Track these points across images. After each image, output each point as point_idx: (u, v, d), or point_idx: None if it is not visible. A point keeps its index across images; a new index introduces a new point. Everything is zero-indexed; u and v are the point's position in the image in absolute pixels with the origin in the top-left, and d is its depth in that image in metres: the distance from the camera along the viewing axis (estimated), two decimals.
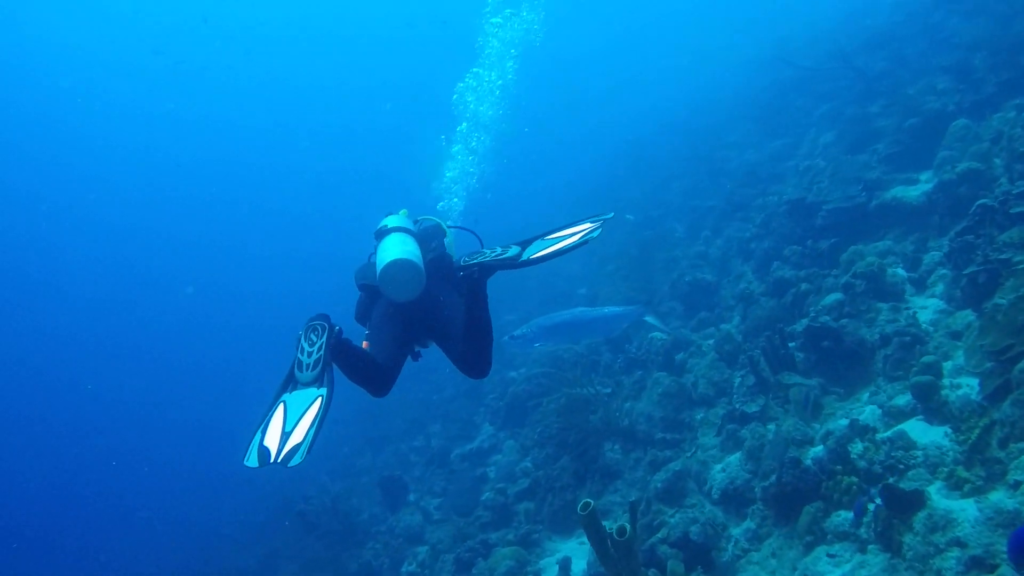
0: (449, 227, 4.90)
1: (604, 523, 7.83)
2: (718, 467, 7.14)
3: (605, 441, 8.77)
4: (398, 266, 3.91)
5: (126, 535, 23.34)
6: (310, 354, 3.41)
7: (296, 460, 3.09)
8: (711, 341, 9.53)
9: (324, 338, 3.44)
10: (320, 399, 3.33)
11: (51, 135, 46.69)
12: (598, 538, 4.96)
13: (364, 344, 4.28)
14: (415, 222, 4.77)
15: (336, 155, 50.02)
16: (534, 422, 10.17)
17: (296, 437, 3.17)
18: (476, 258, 3.83)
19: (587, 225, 3.90)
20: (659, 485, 7.13)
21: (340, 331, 3.55)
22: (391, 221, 4.43)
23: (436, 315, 4.23)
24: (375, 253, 4.20)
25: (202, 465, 23.10)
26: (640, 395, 9.15)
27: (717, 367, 8.44)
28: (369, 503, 12.34)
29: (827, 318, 7.31)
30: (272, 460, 3.08)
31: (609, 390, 9.72)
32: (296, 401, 3.35)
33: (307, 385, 3.38)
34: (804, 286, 8.45)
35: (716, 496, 6.85)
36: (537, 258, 3.81)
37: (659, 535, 6.38)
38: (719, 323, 10.07)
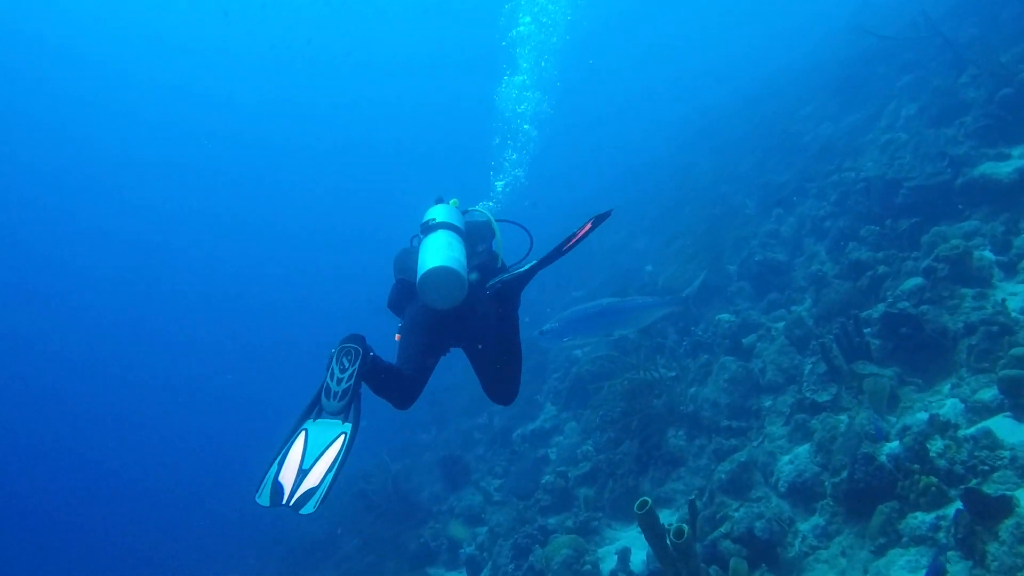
0: (499, 221, 4.69)
1: (665, 517, 7.66)
2: (786, 458, 6.83)
3: (669, 427, 8.54)
4: (440, 274, 3.73)
5: (200, 514, 24.28)
6: (340, 380, 3.26)
7: (308, 509, 2.96)
8: (781, 324, 9.17)
9: (356, 365, 3.28)
10: (343, 437, 3.18)
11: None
12: (656, 538, 4.77)
13: (397, 337, 4.14)
14: (463, 212, 4.59)
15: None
16: (596, 405, 9.98)
17: (312, 479, 3.03)
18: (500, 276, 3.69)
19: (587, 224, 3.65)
20: (723, 476, 6.87)
21: (374, 357, 3.39)
22: (439, 213, 4.24)
23: (470, 327, 4.07)
24: (418, 250, 4.01)
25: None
26: (706, 380, 8.86)
27: (787, 353, 8.09)
28: (430, 481, 12.39)
29: (906, 304, 6.89)
30: (284, 502, 2.96)
31: (674, 374, 9.46)
32: (319, 432, 3.21)
33: (333, 415, 3.24)
34: (882, 269, 7.99)
35: (783, 489, 6.56)
36: (548, 257, 3.61)
37: (722, 529, 6.13)
38: (790, 305, 9.67)
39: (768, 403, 7.86)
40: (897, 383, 6.49)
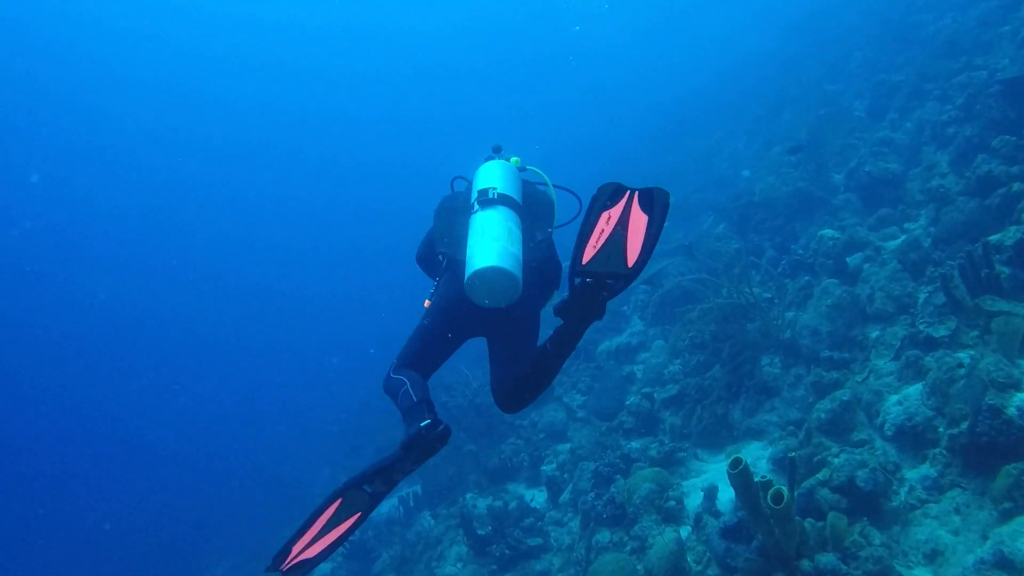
0: (555, 187, 4.08)
1: (754, 451, 7.25)
2: (894, 398, 6.26)
3: (763, 354, 8.02)
4: (493, 277, 3.24)
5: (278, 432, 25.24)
6: (404, 471, 3.00)
7: None
8: (892, 244, 8.39)
9: (423, 462, 3.01)
10: (359, 515, 2.96)
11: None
12: (750, 499, 4.39)
13: (426, 303, 3.74)
14: (521, 170, 4.00)
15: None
16: (686, 324, 9.50)
17: (312, 551, 2.86)
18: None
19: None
20: (823, 415, 6.35)
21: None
22: (499, 179, 3.68)
23: (507, 327, 3.60)
24: (467, 224, 3.51)
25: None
26: (805, 304, 8.24)
27: (899, 279, 7.35)
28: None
29: None
30: (280, 569, 2.83)
31: (769, 295, 8.86)
32: (349, 501, 2.97)
33: (372, 487, 2.99)
34: (1017, 186, 7.05)
35: (889, 432, 6.02)
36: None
37: (819, 476, 5.67)
38: (903, 222, 8.83)
39: (875, 334, 7.22)
40: None
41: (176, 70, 50.42)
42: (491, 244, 3.31)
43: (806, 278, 8.66)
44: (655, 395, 9.08)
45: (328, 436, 21.29)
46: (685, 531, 6.44)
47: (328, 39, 54.40)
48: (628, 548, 6.71)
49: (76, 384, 36.72)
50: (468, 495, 10.59)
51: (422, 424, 2.95)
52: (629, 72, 40.44)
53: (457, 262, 3.59)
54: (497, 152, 4.32)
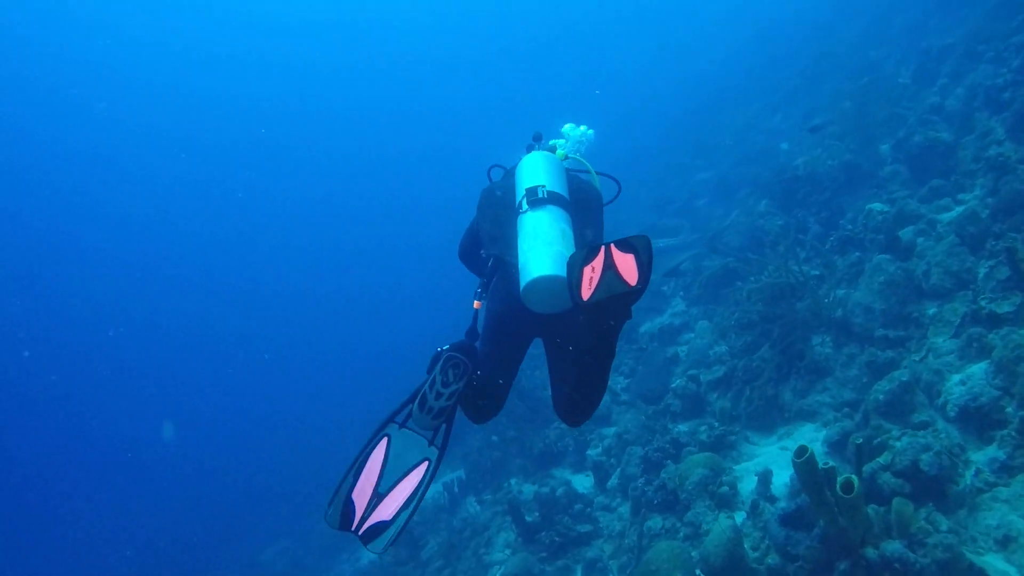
0: (597, 174, 3.92)
1: (807, 433, 7.07)
2: (956, 378, 6.05)
3: (813, 333, 7.82)
4: (551, 286, 3.05)
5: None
6: (439, 395, 2.83)
7: (376, 548, 2.70)
8: (945, 216, 8.11)
9: (459, 385, 2.85)
10: (426, 465, 2.85)
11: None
12: (815, 487, 4.24)
13: (476, 304, 3.60)
14: (564, 159, 3.82)
15: None
16: (732, 304, 9.31)
17: (386, 510, 2.74)
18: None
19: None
20: (881, 397, 6.16)
21: (480, 377, 2.99)
22: (545, 174, 3.51)
23: (565, 331, 3.42)
24: (516, 224, 3.36)
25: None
26: (856, 281, 8.00)
27: (957, 253, 7.08)
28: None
29: None
30: (353, 528, 2.70)
31: (817, 272, 8.63)
32: (402, 445, 2.87)
33: (422, 431, 2.87)
34: None
35: (952, 413, 5.82)
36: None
37: (881, 460, 5.50)
38: (956, 193, 8.52)
39: (932, 311, 6.97)
40: None
41: (193, 65, 50.68)
42: (545, 249, 3.15)
43: (856, 254, 8.41)
44: (701, 377, 8.93)
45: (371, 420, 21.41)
46: (740, 517, 6.31)
47: (343, 31, 54.16)
48: (681, 535, 6.60)
49: (121, 380, 37.43)
50: (513, 480, 10.55)
51: (439, 348, 2.96)
52: (663, 47, 39.81)
53: (508, 265, 3.43)
54: (538, 141, 4.17)
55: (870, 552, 4.64)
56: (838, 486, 4.06)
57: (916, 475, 5.26)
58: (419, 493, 2.83)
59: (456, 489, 11.72)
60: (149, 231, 47.18)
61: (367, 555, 13.30)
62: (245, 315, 42.47)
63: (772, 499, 6.24)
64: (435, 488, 13.31)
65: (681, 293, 11.77)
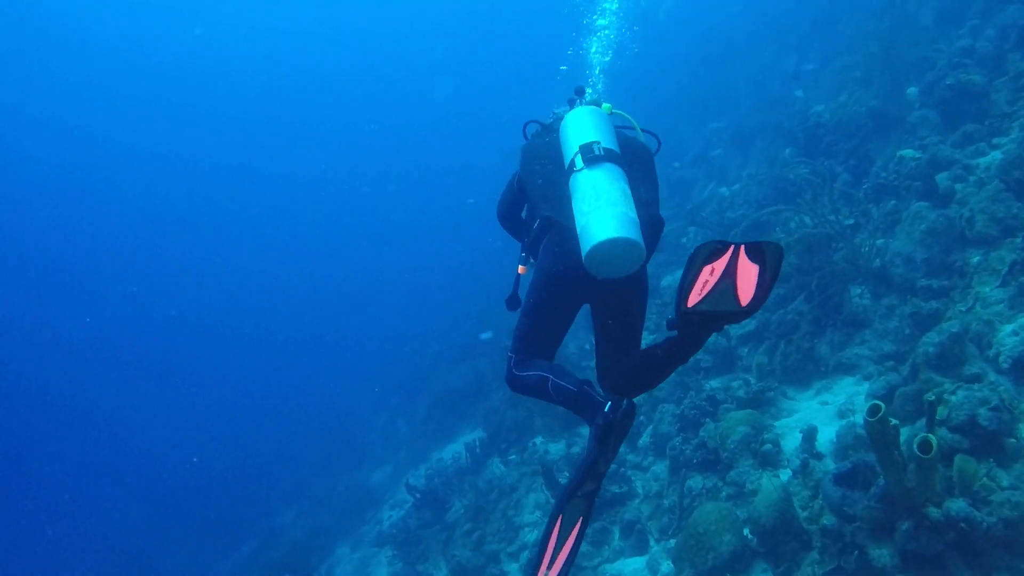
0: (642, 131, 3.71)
1: (846, 387, 6.90)
2: (1008, 328, 5.87)
3: (851, 284, 7.62)
4: (618, 248, 2.90)
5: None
6: (607, 461, 2.74)
7: None
8: (981, 161, 7.87)
9: (613, 451, 2.74)
10: (582, 519, 2.71)
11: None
12: (886, 447, 4.08)
13: (521, 269, 3.52)
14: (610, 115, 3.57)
15: None
16: None
17: (553, 571, 2.61)
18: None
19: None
20: (931, 349, 5.97)
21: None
22: (597, 129, 3.31)
23: (620, 296, 3.28)
24: (569, 186, 3.18)
25: None
26: (893, 230, 7.77)
27: (1002, 199, 6.85)
28: (574, 335, 11.97)
29: None
30: None
31: (852, 221, 8.40)
32: (569, 514, 2.72)
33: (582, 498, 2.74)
34: None
35: (1006, 365, 5.65)
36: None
37: (936, 415, 5.34)
38: (991, 137, 8.26)
39: (976, 259, 6.77)
40: None
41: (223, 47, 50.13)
42: (609, 210, 2.96)
43: (892, 202, 8.18)
44: (731, 331, 8.75)
45: (384, 384, 21.40)
46: (785, 475, 6.18)
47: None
48: (724, 495, 6.48)
49: (133, 354, 37.45)
50: (538, 439, 10.46)
51: (606, 409, 2.72)
52: None
53: (563, 227, 3.22)
54: (580, 96, 3.92)
55: (933, 512, 4.49)
56: (915, 445, 3.89)
57: (974, 430, 5.09)
58: (579, 545, 2.72)
59: (478, 450, 11.63)
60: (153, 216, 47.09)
61: (389, 518, 13.29)
62: (250, 287, 42.37)
63: (818, 456, 6.11)
64: (454, 448, 13.28)
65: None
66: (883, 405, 3.96)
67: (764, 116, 14.79)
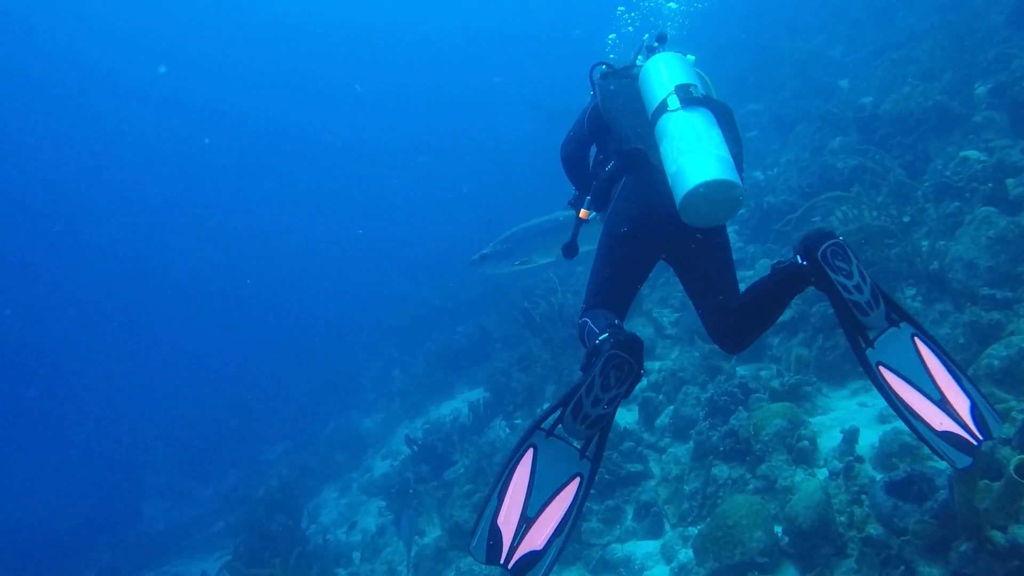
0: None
1: None
2: None
3: (903, 284, 7.24)
4: (720, 191, 2.73)
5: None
6: (598, 400, 2.48)
7: None
8: None
9: (623, 388, 2.50)
10: (579, 481, 2.51)
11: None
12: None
13: (583, 214, 3.38)
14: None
15: None
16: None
17: (536, 538, 2.37)
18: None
19: None
20: (995, 363, 5.61)
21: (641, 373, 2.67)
22: (690, 76, 3.12)
23: (708, 248, 3.21)
24: (672, 130, 2.90)
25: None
26: (953, 233, 7.37)
27: None
28: None
29: None
30: (501, 562, 2.33)
31: (907, 219, 7.99)
32: (549, 459, 2.51)
33: (569, 436, 2.56)
34: None
35: None
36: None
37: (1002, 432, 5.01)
38: None
39: None
40: None
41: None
42: (710, 151, 2.77)
43: (955, 204, 7.76)
44: None
45: (383, 331, 21.11)
46: (822, 475, 5.86)
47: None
48: (751, 487, 6.16)
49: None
50: (547, 406, 10.13)
51: (598, 339, 2.61)
52: None
53: (651, 167, 3.01)
54: (662, 43, 3.62)
55: (996, 536, 4.16)
56: (1012, 467, 3.55)
57: None
58: (572, 516, 2.47)
59: (482, 410, 11.33)
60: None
61: (380, 467, 13.04)
62: (262, 249, 42.15)
63: (860, 460, 5.78)
64: (456, 405, 12.97)
65: (736, 227, 11.12)
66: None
67: (807, 102, 14.28)
